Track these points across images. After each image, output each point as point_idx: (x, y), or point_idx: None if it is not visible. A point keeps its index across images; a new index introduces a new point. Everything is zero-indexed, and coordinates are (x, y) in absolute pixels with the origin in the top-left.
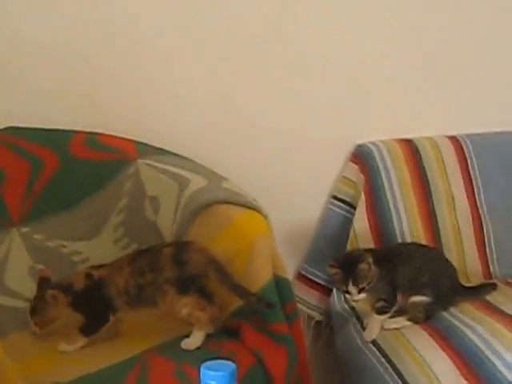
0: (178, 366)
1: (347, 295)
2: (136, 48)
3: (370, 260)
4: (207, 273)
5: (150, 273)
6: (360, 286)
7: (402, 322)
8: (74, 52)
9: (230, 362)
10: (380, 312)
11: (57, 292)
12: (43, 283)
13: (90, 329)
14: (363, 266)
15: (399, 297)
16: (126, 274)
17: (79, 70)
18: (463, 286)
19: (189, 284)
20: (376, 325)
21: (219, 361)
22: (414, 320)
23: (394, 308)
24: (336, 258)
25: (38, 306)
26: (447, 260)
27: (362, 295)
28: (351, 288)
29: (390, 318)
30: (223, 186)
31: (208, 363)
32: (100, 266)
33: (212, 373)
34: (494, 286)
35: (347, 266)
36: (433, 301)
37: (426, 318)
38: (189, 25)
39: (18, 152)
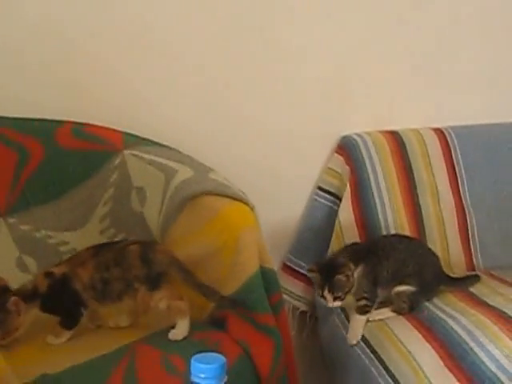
0: (165, 357)
1: (322, 300)
2: (125, 37)
3: (350, 272)
4: (171, 273)
5: (115, 267)
6: (335, 295)
7: (386, 312)
8: (61, 40)
9: (219, 355)
10: (362, 312)
11: (17, 300)
12: (1, 292)
13: (68, 323)
14: (341, 277)
15: (379, 291)
16: (90, 269)
17: (66, 59)
18: (447, 276)
19: (157, 281)
20: (359, 326)
21: (209, 353)
22: (399, 311)
23: (375, 305)
24: (317, 261)
25: None
26: (430, 249)
27: (337, 303)
28: (327, 294)
29: (375, 309)
30: (210, 177)
31: (198, 356)
32: (58, 264)
33: (202, 365)
34: (477, 278)
35: (326, 272)
36: (417, 290)
37: (411, 308)
38: (178, 17)
39: (3, 142)
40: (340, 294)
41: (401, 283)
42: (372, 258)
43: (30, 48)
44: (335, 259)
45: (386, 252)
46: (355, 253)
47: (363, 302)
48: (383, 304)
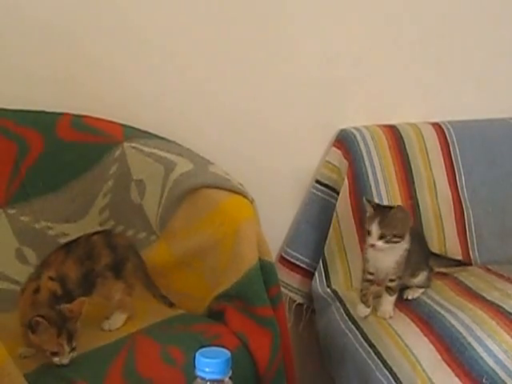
0: (164, 349)
1: (367, 238)
2: (123, 31)
3: (408, 216)
4: (129, 256)
5: (87, 261)
6: (382, 231)
7: (418, 290)
8: (60, 33)
9: (225, 350)
10: (391, 293)
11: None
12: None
13: None
14: (398, 212)
15: (405, 275)
16: (73, 267)
17: (66, 52)
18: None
19: (121, 268)
20: (390, 304)
21: (214, 348)
22: (423, 286)
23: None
24: (375, 203)
25: (69, 332)
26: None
27: (380, 243)
28: (374, 228)
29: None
30: (209, 170)
31: (203, 350)
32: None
33: (207, 360)
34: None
35: (382, 208)
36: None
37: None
38: (175, 9)
39: (4, 134)
40: (388, 232)
41: (419, 270)
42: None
43: (29, 42)
44: (388, 207)
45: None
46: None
47: (395, 283)
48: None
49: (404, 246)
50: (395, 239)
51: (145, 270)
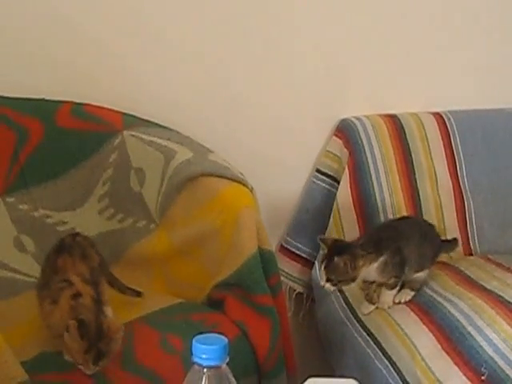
0: (164, 337)
1: (318, 276)
2: (125, 18)
3: (352, 264)
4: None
5: (86, 261)
6: (328, 276)
7: (410, 293)
8: (61, 21)
9: (221, 336)
10: (391, 288)
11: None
12: (82, 328)
13: None
14: (339, 261)
15: (406, 269)
16: (84, 268)
17: (66, 40)
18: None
19: (102, 270)
20: (390, 297)
21: (211, 334)
22: (414, 289)
23: (400, 283)
24: (335, 238)
25: (100, 353)
26: (427, 223)
27: (328, 285)
28: (323, 272)
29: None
30: (209, 159)
31: (200, 336)
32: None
33: (204, 346)
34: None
35: (334, 249)
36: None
37: (421, 286)
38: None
39: (3, 122)
40: (333, 277)
41: (422, 268)
42: (397, 243)
43: (29, 30)
44: (350, 244)
45: (409, 236)
46: (379, 242)
47: (393, 280)
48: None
49: (374, 265)
50: (342, 283)
51: (107, 267)
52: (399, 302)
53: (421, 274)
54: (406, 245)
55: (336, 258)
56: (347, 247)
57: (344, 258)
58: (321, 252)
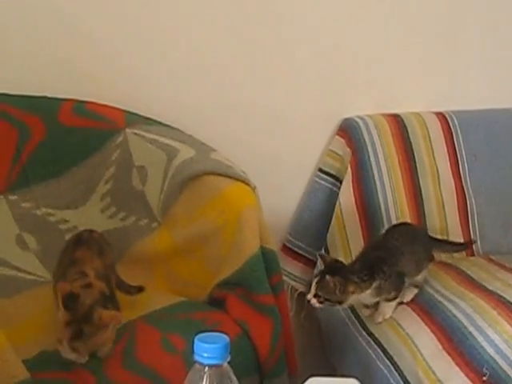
0: (165, 336)
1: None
2: (127, 17)
3: (341, 287)
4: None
5: (103, 257)
6: (316, 291)
7: (413, 290)
8: (63, 18)
9: (223, 335)
10: (391, 300)
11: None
12: (70, 300)
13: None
14: (328, 280)
15: (406, 280)
16: (101, 261)
17: (69, 37)
18: (433, 239)
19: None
20: (388, 309)
21: (213, 333)
22: (418, 286)
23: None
24: (334, 258)
25: (80, 331)
26: (414, 226)
27: (314, 301)
28: (313, 287)
29: None
30: (212, 157)
31: (201, 335)
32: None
33: (206, 345)
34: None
35: (328, 267)
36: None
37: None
38: None
39: (5, 119)
40: (320, 294)
41: (421, 270)
42: (389, 264)
43: (31, 27)
44: (347, 267)
45: (401, 248)
46: (372, 267)
47: (393, 294)
48: None
49: (368, 291)
50: (328, 302)
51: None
52: (401, 302)
53: (420, 276)
54: (399, 260)
55: (327, 277)
56: (342, 270)
57: (335, 279)
58: (318, 267)
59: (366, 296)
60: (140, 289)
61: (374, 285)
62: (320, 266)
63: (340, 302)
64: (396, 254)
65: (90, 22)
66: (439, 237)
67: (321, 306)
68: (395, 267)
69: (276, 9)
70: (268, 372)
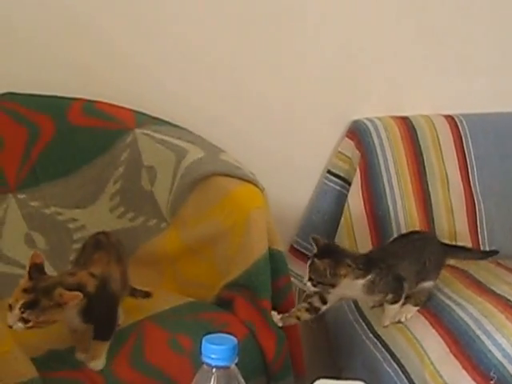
0: (173, 336)
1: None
2: (136, 17)
3: (331, 270)
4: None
5: (122, 262)
6: (310, 275)
7: (411, 309)
8: (73, 18)
9: (231, 336)
10: (392, 303)
11: (63, 292)
12: (36, 271)
13: (105, 333)
14: (319, 263)
15: (406, 286)
16: (116, 264)
17: (79, 37)
18: (450, 247)
19: None
20: (392, 312)
21: (221, 334)
22: (418, 304)
23: (402, 299)
24: (327, 242)
25: (39, 302)
26: (433, 237)
27: (309, 284)
28: (307, 271)
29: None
30: (221, 158)
31: (209, 336)
32: (79, 264)
33: (213, 346)
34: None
35: (321, 251)
36: (435, 283)
37: (427, 300)
38: None
39: (15, 118)
40: (313, 277)
41: (424, 279)
42: (388, 262)
43: (41, 27)
44: (341, 251)
45: (403, 254)
46: (371, 261)
47: (391, 296)
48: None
49: (360, 281)
50: (321, 286)
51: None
52: (399, 321)
53: (425, 285)
54: (399, 264)
55: (316, 260)
56: (335, 252)
57: (325, 261)
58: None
59: (358, 288)
60: (147, 294)
61: (369, 277)
62: (314, 249)
63: (332, 285)
64: (397, 258)
65: (101, 22)
66: (458, 243)
67: (315, 289)
68: (394, 269)
69: (287, 11)
70: (274, 374)
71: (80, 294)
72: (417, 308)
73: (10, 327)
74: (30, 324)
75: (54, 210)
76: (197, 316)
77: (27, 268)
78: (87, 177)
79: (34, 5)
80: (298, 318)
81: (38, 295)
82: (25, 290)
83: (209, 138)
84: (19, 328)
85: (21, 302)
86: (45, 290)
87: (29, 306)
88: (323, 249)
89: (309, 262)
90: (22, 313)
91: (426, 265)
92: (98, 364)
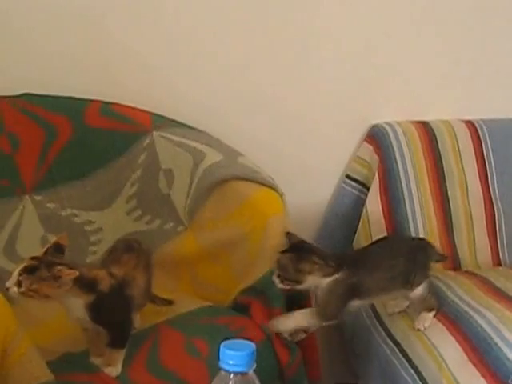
0: (189, 340)
1: None
2: (155, 19)
3: (293, 265)
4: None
5: (149, 269)
6: (277, 271)
7: (428, 316)
8: (91, 21)
9: (249, 342)
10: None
11: (65, 271)
12: (56, 250)
13: (119, 340)
14: (281, 258)
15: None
16: (144, 273)
17: (96, 39)
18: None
19: None
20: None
21: (239, 340)
22: (433, 308)
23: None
24: (301, 239)
25: (38, 270)
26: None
27: (277, 281)
28: (274, 266)
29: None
30: (239, 162)
31: (227, 342)
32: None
33: (231, 352)
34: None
35: (290, 246)
36: (429, 281)
37: (438, 302)
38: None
39: (33, 119)
40: (279, 273)
41: (412, 285)
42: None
43: (59, 29)
44: (309, 248)
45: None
46: (341, 259)
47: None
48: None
49: (327, 279)
50: (288, 282)
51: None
52: (418, 330)
53: (420, 289)
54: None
55: (279, 254)
56: (303, 249)
57: (288, 255)
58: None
59: (324, 285)
60: (169, 302)
61: (337, 276)
62: (284, 244)
63: (298, 282)
64: (372, 262)
65: (118, 25)
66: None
67: (282, 286)
68: (362, 272)
69: (304, 16)
70: (289, 379)
71: (76, 272)
72: (433, 313)
73: (7, 290)
74: (23, 289)
75: (71, 212)
76: (213, 320)
77: (49, 244)
78: (104, 179)
79: (52, 8)
80: (306, 332)
81: (40, 265)
82: (32, 258)
83: (227, 142)
84: (13, 293)
85: (22, 265)
86: (48, 263)
87: (27, 270)
88: (294, 245)
89: (275, 258)
90: (20, 275)
91: (409, 271)
92: (114, 371)
